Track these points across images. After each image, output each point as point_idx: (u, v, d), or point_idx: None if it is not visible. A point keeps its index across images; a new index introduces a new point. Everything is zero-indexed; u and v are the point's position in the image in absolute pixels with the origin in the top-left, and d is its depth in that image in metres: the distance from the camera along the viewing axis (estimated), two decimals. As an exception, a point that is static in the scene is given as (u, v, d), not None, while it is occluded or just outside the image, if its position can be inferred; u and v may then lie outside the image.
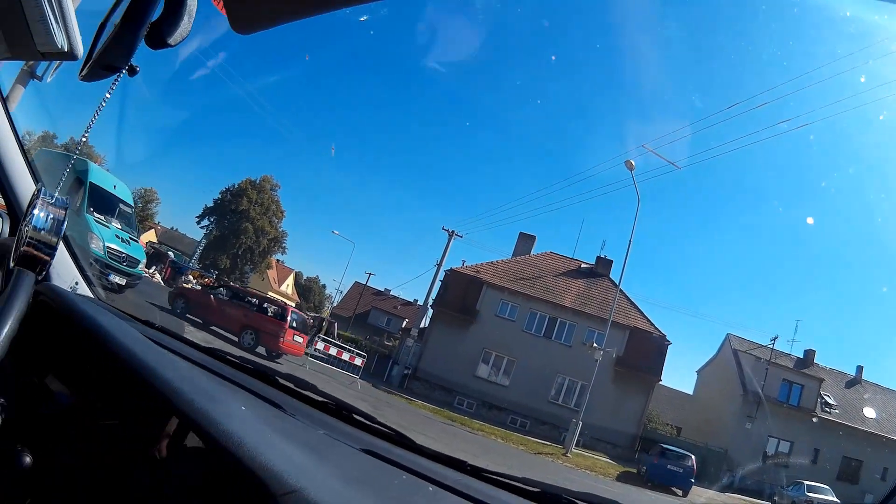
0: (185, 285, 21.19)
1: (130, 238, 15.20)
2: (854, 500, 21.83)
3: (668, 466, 18.14)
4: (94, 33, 1.05)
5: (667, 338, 25.87)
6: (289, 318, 15.89)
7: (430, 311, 28.34)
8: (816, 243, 39.49)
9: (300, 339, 16.32)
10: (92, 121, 1.38)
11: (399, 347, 28.64)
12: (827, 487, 19.33)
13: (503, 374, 26.06)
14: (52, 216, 1.29)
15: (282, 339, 15.48)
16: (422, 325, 28.97)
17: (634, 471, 19.55)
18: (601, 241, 43.83)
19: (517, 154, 44.87)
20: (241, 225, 44.11)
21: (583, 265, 28.74)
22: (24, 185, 2.18)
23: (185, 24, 0.90)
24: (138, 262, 15.31)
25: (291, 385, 1.88)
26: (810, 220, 29.11)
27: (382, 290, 43.99)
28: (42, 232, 1.28)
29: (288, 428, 1.41)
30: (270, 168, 47.01)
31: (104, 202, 14.72)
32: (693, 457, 18.62)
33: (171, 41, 0.90)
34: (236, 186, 44.59)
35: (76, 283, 2.14)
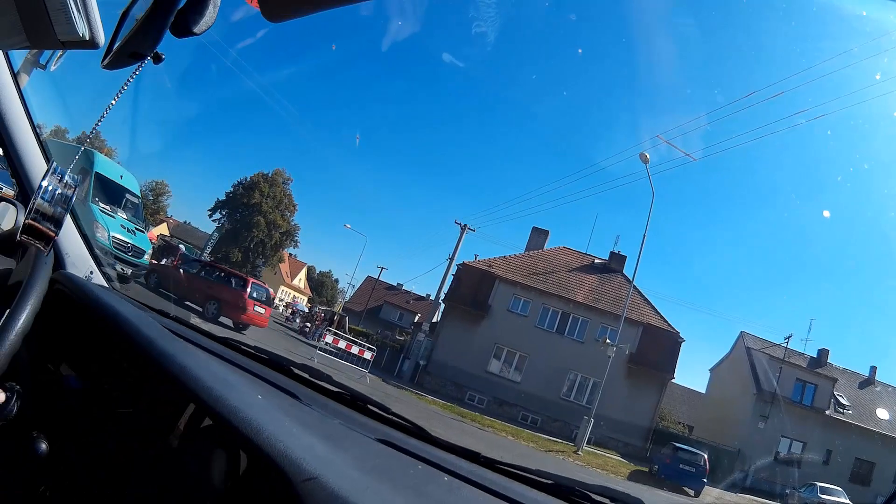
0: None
1: (136, 228, 15.36)
2: (866, 502, 21.58)
3: (681, 466, 18.00)
4: (112, 21, 1.06)
5: (680, 335, 25.70)
6: (249, 289, 16.29)
7: (442, 306, 28.34)
8: (831, 241, 39.15)
9: (262, 310, 16.72)
10: (106, 110, 1.37)
11: (410, 342, 28.65)
12: (840, 489, 19.14)
13: (515, 369, 26.02)
14: (59, 192, 1.30)
15: (242, 309, 15.90)
16: (434, 320, 28.95)
17: (646, 469, 19.43)
18: (615, 237, 43.76)
19: (531, 148, 44.91)
20: (253, 218, 44.32)
21: (596, 260, 28.60)
22: (39, 174, 2.20)
23: (211, 13, 0.90)
24: (143, 252, 15.49)
25: (306, 375, 1.89)
26: (826, 213, 28.88)
27: (395, 284, 44.07)
28: (48, 206, 1.28)
29: (304, 417, 1.41)
30: (283, 161, 47.26)
31: (110, 192, 14.86)
32: (706, 456, 18.48)
33: (197, 30, 0.90)
34: (248, 180, 44.79)
35: (91, 273, 2.16)
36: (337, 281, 63.91)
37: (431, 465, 1.34)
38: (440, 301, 28.46)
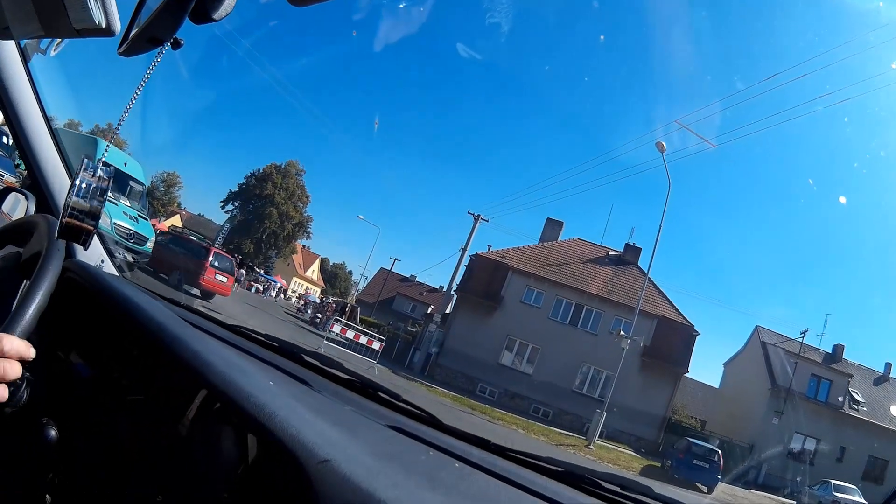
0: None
1: (139, 215, 15.62)
2: (879, 500, 21.37)
3: (695, 461, 17.83)
4: (127, 8, 1.05)
5: (695, 328, 25.56)
6: (210, 258, 17.10)
7: (455, 297, 28.33)
8: (848, 234, 38.67)
9: (224, 279, 17.73)
10: (131, 101, 1.37)
11: (421, 333, 28.69)
12: (854, 488, 18.95)
13: (527, 361, 26.00)
14: (94, 185, 1.29)
15: (203, 277, 16.70)
16: (446, 311, 28.95)
17: (659, 465, 19.37)
18: (630, 228, 43.51)
19: (545, 137, 44.62)
20: (265, 210, 44.58)
21: (611, 252, 28.49)
22: (52, 164, 2.22)
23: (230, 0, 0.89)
24: (146, 239, 15.81)
25: (317, 363, 1.90)
26: (843, 199, 28.56)
27: (408, 276, 44.15)
28: (84, 201, 1.28)
29: (316, 404, 1.42)
30: (296, 153, 47.43)
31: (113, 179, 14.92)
32: (720, 452, 18.32)
33: (216, 16, 0.89)
34: (261, 171, 45.02)
35: (102, 262, 2.18)
36: (350, 273, 64.27)
37: (442, 452, 1.34)
38: (452, 292, 28.48)
